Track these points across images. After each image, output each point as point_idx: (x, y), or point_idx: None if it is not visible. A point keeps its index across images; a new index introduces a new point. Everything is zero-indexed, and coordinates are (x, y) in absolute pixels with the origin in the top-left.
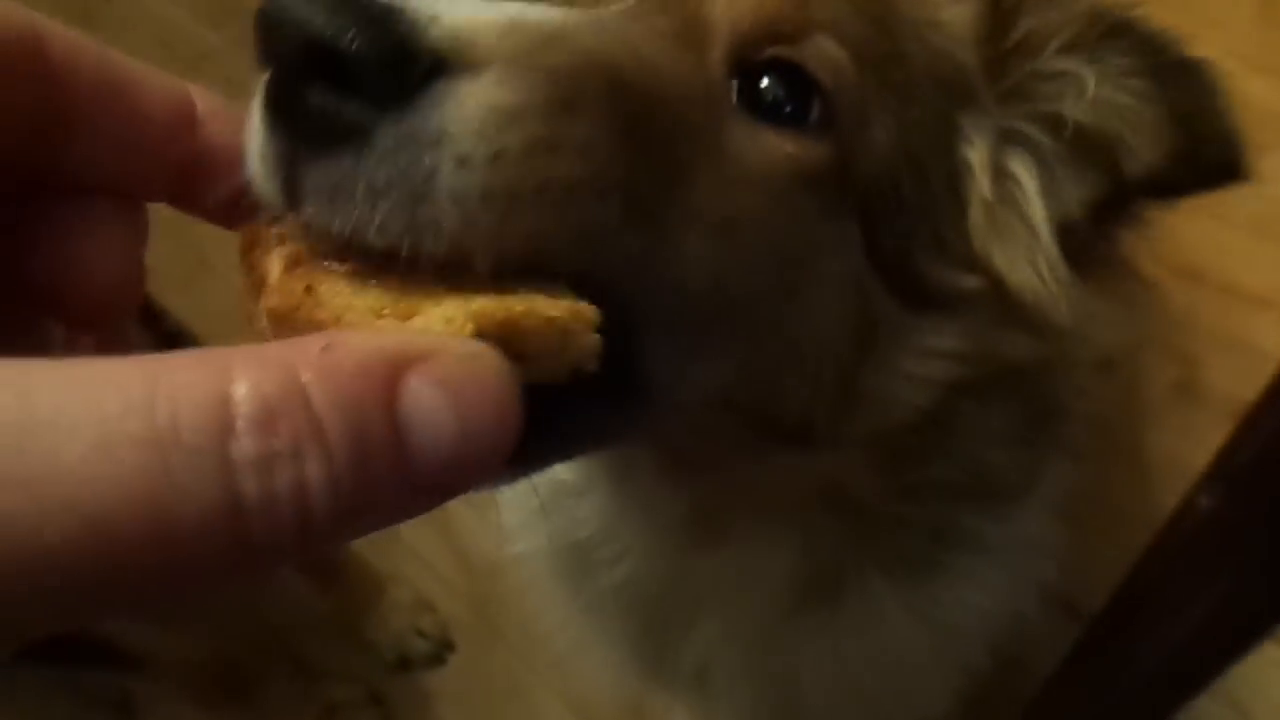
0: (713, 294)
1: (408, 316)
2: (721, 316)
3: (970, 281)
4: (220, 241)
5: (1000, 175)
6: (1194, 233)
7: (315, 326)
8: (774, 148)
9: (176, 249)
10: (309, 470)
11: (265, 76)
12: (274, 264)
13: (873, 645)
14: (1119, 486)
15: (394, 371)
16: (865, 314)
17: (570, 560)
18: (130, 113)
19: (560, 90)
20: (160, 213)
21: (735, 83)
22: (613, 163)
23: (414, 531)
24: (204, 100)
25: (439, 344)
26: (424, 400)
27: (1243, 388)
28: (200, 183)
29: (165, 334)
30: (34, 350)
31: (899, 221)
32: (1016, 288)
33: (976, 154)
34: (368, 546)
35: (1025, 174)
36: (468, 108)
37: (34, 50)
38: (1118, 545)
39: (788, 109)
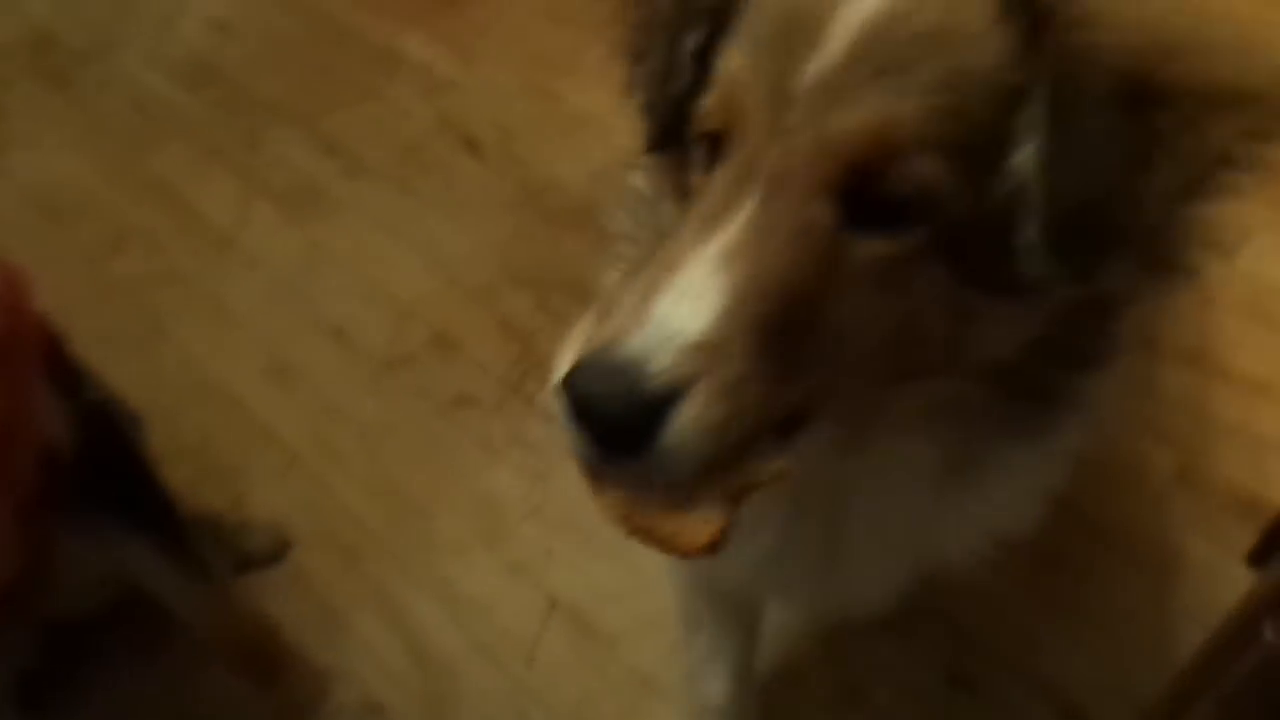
0: (857, 358)
1: (681, 512)
2: (863, 363)
3: (1040, 268)
4: (173, 308)
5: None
6: (1189, 316)
7: (638, 526)
8: (881, 252)
9: (131, 311)
10: None
11: (562, 402)
12: (606, 495)
13: (1006, 496)
14: (1121, 579)
15: None
16: (962, 312)
17: None
18: None
19: (739, 367)
20: (114, 272)
21: (846, 224)
22: (783, 360)
23: (365, 621)
24: None
25: None
26: None
27: (1244, 475)
28: None
29: (86, 402)
30: None
31: (978, 246)
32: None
33: (1025, 156)
34: (314, 638)
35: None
36: (687, 423)
37: None
38: (1122, 643)
39: (887, 222)
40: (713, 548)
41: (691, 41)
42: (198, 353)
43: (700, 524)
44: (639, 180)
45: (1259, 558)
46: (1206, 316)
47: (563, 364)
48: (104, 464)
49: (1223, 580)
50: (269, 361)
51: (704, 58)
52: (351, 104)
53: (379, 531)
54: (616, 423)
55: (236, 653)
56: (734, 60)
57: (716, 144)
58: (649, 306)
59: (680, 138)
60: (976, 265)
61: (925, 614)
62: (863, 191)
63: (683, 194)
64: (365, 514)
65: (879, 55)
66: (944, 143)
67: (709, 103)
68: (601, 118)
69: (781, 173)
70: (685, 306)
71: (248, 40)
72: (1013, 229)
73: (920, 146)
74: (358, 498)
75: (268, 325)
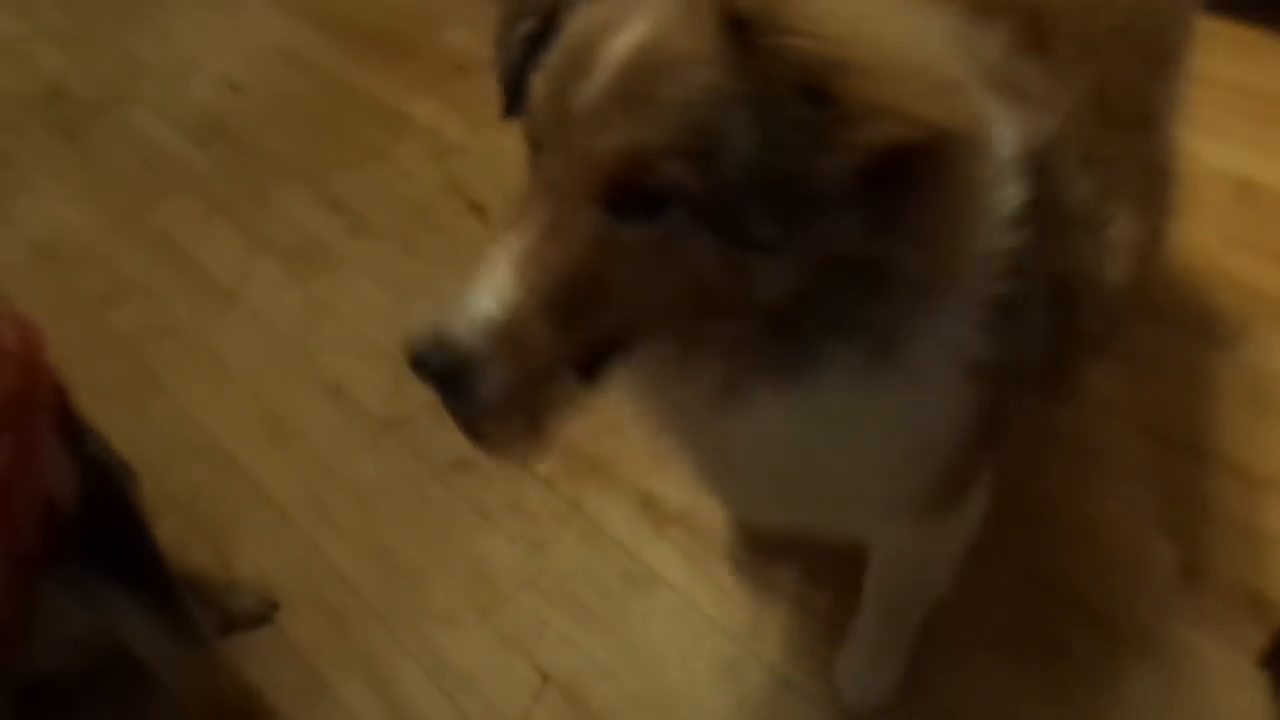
0: (651, 308)
1: (506, 431)
2: (661, 310)
3: (770, 230)
4: (170, 361)
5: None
6: (1192, 408)
7: (481, 441)
8: (647, 236)
9: (127, 363)
10: None
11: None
12: (458, 421)
13: (773, 433)
14: (1126, 673)
15: None
16: (733, 268)
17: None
18: None
19: (531, 336)
20: (112, 323)
21: (613, 218)
22: (574, 322)
23: (350, 688)
24: None
25: None
26: None
27: (1250, 572)
28: None
29: (89, 457)
30: None
31: (727, 217)
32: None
33: (746, 143)
34: (296, 705)
35: None
36: (491, 378)
37: None
38: None
39: (647, 211)
40: (533, 455)
41: (524, 28)
42: (192, 407)
43: (519, 439)
44: None
45: (1271, 661)
46: (1210, 409)
47: (414, 338)
48: (100, 519)
49: (1232, 680)
50: (264, 418)
51: (535, 43)
52: (359, 164)
53: (369, 596)
54: (441, 381)
55: (215, 718)
56: (538, 84)
57: (537, 149)
58: (464, 297)
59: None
60: (731, 231)
61: (928, 705)
62: (624, 194)
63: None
64: (356, 577)
65: (630, 86)
66: (684, 150)
67: (526, 117)
68: None
69: (563, 185)
70: (487, 296)
71: (259, 99)
72: (746, 201)
73: (665, 157)
74: (349, 560)
75: (265, 381)
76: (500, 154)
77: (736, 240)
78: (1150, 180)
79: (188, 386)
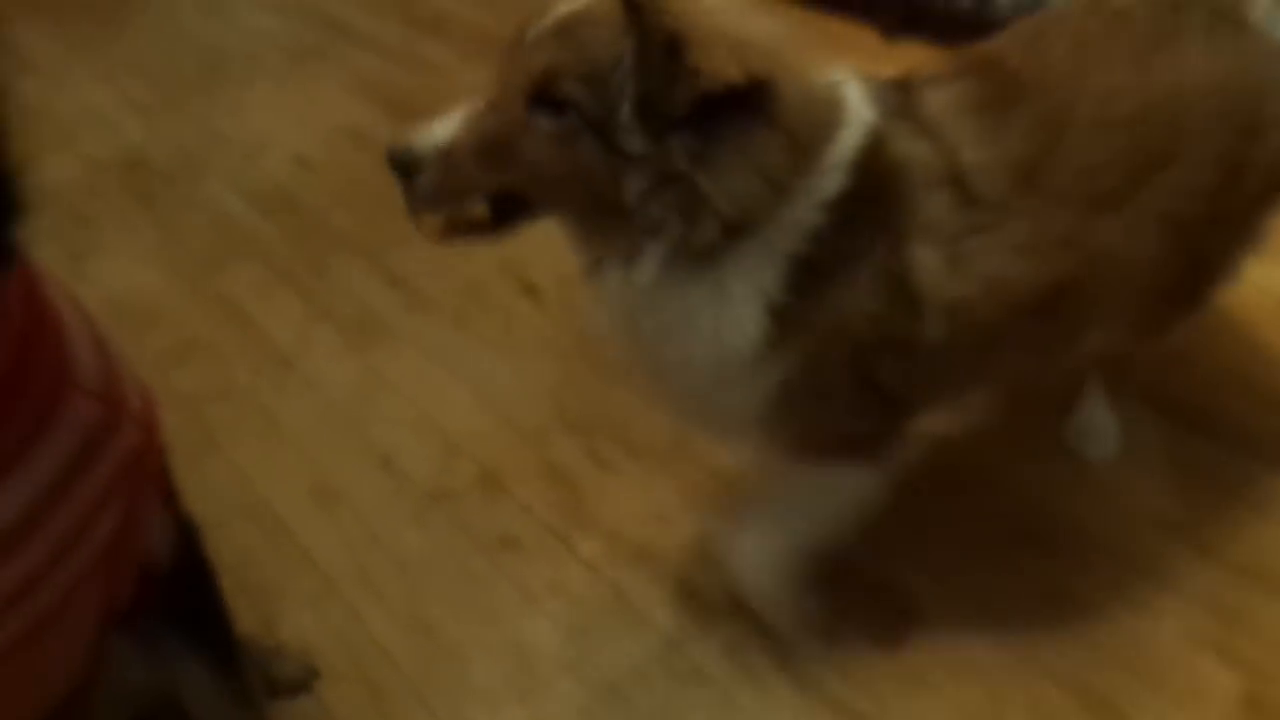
0: (555, 181)
1: (433, 218)
2: (562, 187)
3: (634, 137)
4: (228, 422)
5: None
6: (1250, 529)
7: (418, 225)
8: (551, 127)
9: (184, 426)
10: None
11: (388, 159)
12: (410, 209)
13: (616, 297)
14: None
15: None
16: (612, 169)
17: None
18: None
19: (458, 159)
20: (175, 383)
21: (532, 110)
22: (492, 164)
23: None
24: None
25: None
26: None
27: None
28: None
29: (180, 516)
30: None
31: (608, 128)
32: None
33: (625, 74)
34: None
35: None
36: (426, 179)
37: None
38: None
39: (554, 111)
40: (444, 240)
41: None
42: (246, 469)
43: (439, 227)
44: None
45: None
46: (1268, 530)
47: (394, 145)
48: (181, 577)
49: None
50: (315, 484)
51: None
52: (417, 241)
53: (409, 670)
54: (398, 170)
55: None
56: (519, 21)
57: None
58: (428, 128)
59: None
60: (605, 137)
61: None
62: (540, 95)
63: None
64: (397, 651)
65: (560, 29)
66: (581, 75)
67: (506, 36)
68: None
69: (510, 81)
70: (439, 130)
71: (325, 175)
72: (617, 117)
73: (567, 76)
74: (390, 633)
75: (318, 448)
76: (554, 238)
77: (609, 146)
78: (1071, 254)
79: (243, 449)
